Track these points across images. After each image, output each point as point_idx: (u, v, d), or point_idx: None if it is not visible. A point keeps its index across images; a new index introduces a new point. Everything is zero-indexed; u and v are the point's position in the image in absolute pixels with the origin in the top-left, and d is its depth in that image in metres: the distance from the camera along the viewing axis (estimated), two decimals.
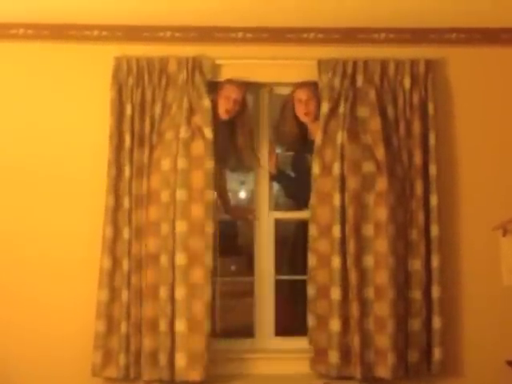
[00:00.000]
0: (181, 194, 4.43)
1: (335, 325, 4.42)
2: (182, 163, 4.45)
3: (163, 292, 4.41)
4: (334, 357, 4.42)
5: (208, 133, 4.47)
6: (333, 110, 4.54)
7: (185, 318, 4.38)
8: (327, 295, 4.47)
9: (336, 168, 4.48)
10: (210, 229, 4.44)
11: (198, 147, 4.47)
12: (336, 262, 4.44)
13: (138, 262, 4.46)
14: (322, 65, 4.59)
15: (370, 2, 4.28)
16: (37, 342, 4.57)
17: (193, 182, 4.45)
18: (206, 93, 4.52)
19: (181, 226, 4.42)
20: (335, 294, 4.43)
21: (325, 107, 4.53)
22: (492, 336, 4.65)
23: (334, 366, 4.42)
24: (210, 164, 4.46)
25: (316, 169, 4.53)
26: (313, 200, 4.54)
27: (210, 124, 4.48)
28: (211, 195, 4.47)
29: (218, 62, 4.62)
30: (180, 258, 4.40)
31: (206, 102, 4.50)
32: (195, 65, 4.56)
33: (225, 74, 4.63)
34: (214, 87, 4.59)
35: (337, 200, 4.46)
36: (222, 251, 4.85)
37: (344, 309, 4.44)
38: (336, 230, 4.45)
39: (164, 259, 4.43)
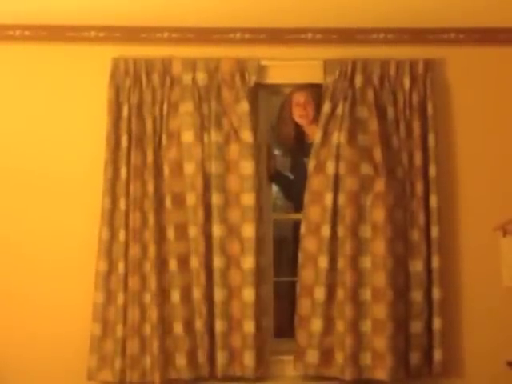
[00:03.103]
0: (217, 198, 4.43)
1: (316, 325, 4.42)
2: (216, 167, 4.45)
3: (197, 293, 4.43)
4: (312, 356, 4.44)
5: (247, 136, 4.47)
6: (333, 111, 4.53)
7: (225, 320, 4.42)
8: (311, 295, 4.47)
9: (331, 168, 4.47)
10: (249, 231, 4.45)
11: (234, 151, 4.49)
12: (323, 261, 4.43)
13: (134, 264, 4.43)
14: (327, 65, 4.56)
15: (368, 2, 4.26)
16: (32, 345, 4.55)
17: (230, 186, 4.47)
18: (247, 96, 4.51)
19: (218, 230, 4.42)
20: (319, 293, 4.43)
21: (327, 107, 4.52)
22: (492, 337, 4.63)
23: (313, 366, 4.44)
24: (248, 167, 4.46)
25: (311, 168, 4.53)
26: (306, 199, 4.53)
27: (249, 127, 4.48)
28: (250, 199, 4.46)
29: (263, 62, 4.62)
30: (217, 261, 4.41)
31: (245, 106, 4.49)
32: (238, 67, 4.53)
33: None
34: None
35: (329, 200, 4.45)
36: None
37: (329, 309, 4.44)
38: (325, 230, 4.44)
39: (195, 261, 4.43)
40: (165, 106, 4.51)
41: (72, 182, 4.60)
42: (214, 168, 4.46)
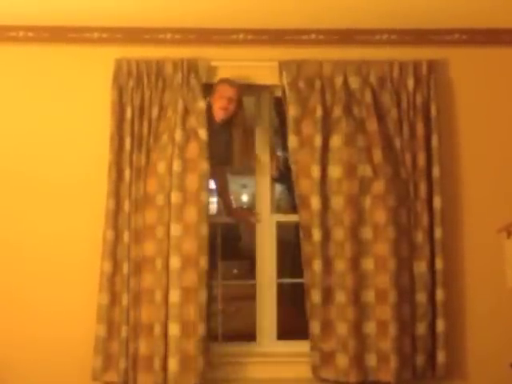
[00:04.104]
0: (176, 197, 4.41)
1: (315, 327, 4.43)
2: (176, 166, 4.43)
3: (158, 296, 4.39)
4: (314, 359, 4.45)
5: (202, 134, 4.45)
6: (328, 113, 4.52)
7: (178, 322, 4.35)
8: (309, 298, 4.48)
9: (315, 171, 4.46)
10: (204, 231, 4.41)
11: (193, 149, 4.46)
12: (317, 264, 4.42)
13: (136, 265, 4.44)
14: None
15: (371, 3, 4.25)
16: (37, 346, 4.56)
17: (187, 185, 4.43)
18: (201, 95, 4.50)
19: (175, 229, 4.39)
20: (316, 296, 4.43)
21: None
22: (496, 339, 4.62)
23: (314, 368, 4.45)
24: (204, 166, 4.44)
25: (294, 171, 4.53)
26: (297, 202, 4.54)
27: (204, 126, 4.46)
28: (205, 197, 4.44)
29: (213, 63, 4.59)
30: (174, 262, 4.38)
31: (201, 104, 4.48)
32: (190, 67, 4.54)
33: (223, 76, 4.59)
34: (210, 89, 4.57)
35: (315, 203, 4.45)
36: (224, 254, 4.83)
37: (327, 312, 4.44)
38: (316, 234, 4.44)
39: (159, 263, 4.41)
40: (156, 108, 4.52)
41: (76, 184, 4.61)
42: (175, 167, 4.44)
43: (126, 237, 4.46)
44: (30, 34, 4.60)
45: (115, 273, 4.48)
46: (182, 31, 4.58)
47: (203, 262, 4.38)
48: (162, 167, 4.46)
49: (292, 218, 5.04)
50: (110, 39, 4.61)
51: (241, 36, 4.62)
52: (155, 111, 4.52)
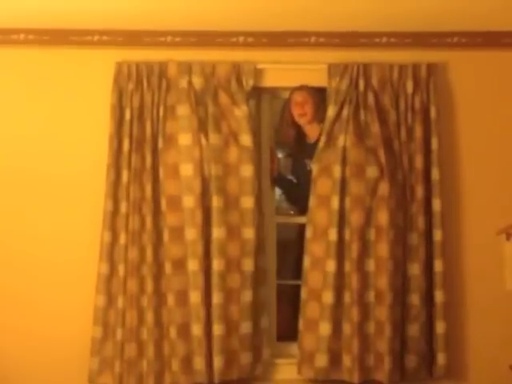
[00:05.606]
0: (216, 201, 4.41)
1: (325, 328, 4.42)
2: (215, 170, 4.44)
3: (195, 297, 4.39)
4: (321, 360, 4.43)
5: (246, 140, 4.47)
6: (337, 114, 4.53)
7: (222, 322, 4.38)
8: (319, 299, 4.46)
9: (337, 171, 4.47)
10: (247, 235, 4.44)
11: (233, 154, 4.48)
12: (331, 265, 4.42)
13: (134, 267, 4.43)
14: (331, 69, 4.57)
15: (371, 5, 4.26)
16: (34, 347, 4.55)
17: (228, 189, 4.45)
18: (245, 100, 4.52)
19: (218, 232, 4.40)
20: (327, 297, 4.42)
21: (331, 111, 4.53)
22: (496, 340, 4.63)
23: (321, 370, 4.44)
24: (246, 171, 4.46)
25: (316, 171, 4.53)
26: (311, 202, 4.53)
27: (248, 131, 4.48)
28: (249, 202, 4.46)
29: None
30: (216, 264, 4.39)
31: (244, 109, 4.50)
32: (236, 71, 4.54)
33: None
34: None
35: (335, 203, 4.45)
36: None
37: (337, 313, 4.44)
38: (333, 234, 4.44)
39: (194, 264, 4.41)
40: (161, 109, 4.50)
41: (74, 185, 4.61)
42: (213, 171, 4.46)
43: (122, 239, 4.45)
44: (31, 37, 4.60)
45: (112, 275, 4.48)
46: (182, 34, 4.58)
47: (248, 264, 4.43)
48: (187, 169, 4.45)
49: (293, 219, 5.06)
50: (110, 42, 4.61)
51: (241, 39, 4.63)
52: (160, 112, 4.50)
